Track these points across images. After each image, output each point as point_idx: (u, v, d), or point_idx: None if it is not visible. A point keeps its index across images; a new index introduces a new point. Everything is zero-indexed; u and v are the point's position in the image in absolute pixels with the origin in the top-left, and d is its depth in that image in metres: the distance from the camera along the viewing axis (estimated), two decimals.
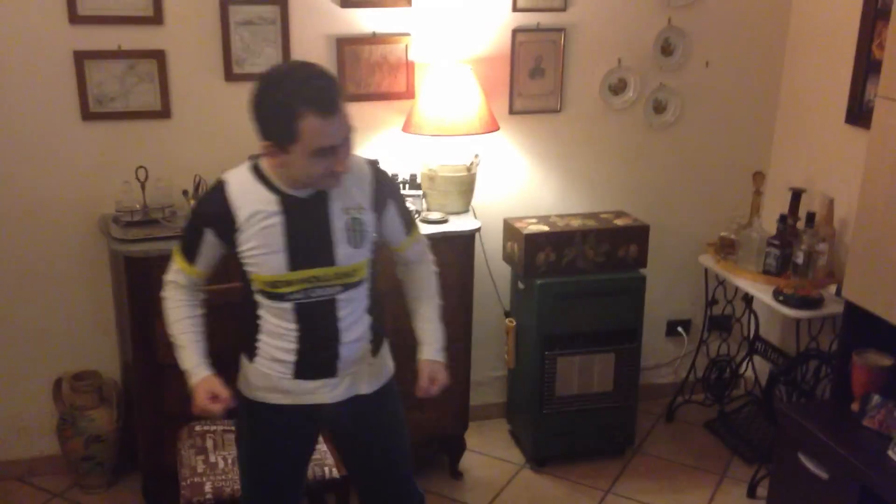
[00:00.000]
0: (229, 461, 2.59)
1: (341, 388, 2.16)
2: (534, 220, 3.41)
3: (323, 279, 2.05)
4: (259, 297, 2.09)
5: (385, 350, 2.27)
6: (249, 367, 2.17)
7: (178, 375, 2.86)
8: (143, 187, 3.02)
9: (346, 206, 2.06)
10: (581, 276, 3.33)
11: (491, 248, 3.51)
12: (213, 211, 2.05)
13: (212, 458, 2.60)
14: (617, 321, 3.40)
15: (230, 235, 2.03)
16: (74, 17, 2.95)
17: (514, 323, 3.45)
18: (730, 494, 3.33)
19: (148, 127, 3.12)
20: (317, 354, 2.11)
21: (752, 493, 3.31)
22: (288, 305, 2.06)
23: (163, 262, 2.78)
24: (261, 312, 2.11)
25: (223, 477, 2.52)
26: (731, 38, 3.63)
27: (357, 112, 3.13)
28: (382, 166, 2.23)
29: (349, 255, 2.06)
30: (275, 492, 2.26)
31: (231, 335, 2.24)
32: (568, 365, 3.38)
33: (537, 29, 3.41)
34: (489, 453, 3.57)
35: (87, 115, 3.04)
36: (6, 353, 3.20)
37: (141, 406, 2.99)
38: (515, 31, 3.39)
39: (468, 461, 3.46)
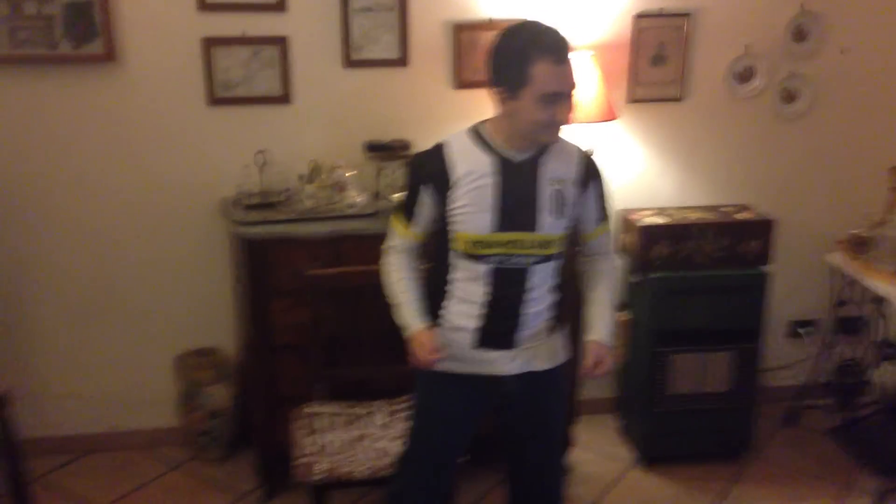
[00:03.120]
0: (339, 443, 2.63)
1: (518, 361, 2.24)
2: (650, 212, 3.31)
3: (522, 245, 2.13)
4: (456, 260, 2.17)
5: (562, 334, 2.34)
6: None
7: (293, 357, 2.97)
8: (261, 171, 3.09)
9: (554, 176, 2.15)
10: (698, 272, 3.22)
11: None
12: (431, 169, 2.14)
13: (322, 439, 2.65)
14: (735, 319, 3.26)
15: (445, 193, 2.12)
16: (203, 5, 3.04)
17: (627, 317, 3.36)
18: None
19: (269, 112, 3.19)
20: (499, 323, 2.18)
21: None
22: (484, 268, 2.14)
23: (279, 244, 2.89)
24: (452, 276, 2.19)
25: (334, 458, 2.56)
26: (869, 23, 3.42)
27: (473, 99, 3.17)
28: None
29: (550, 224, 2.14)
30: (438, 463, 2.35)
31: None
32: (681, 362, 3.27)
33: (660, 14, 3.29)
34: (598, 449, 3.50)
35: (213, 100, 3.13)
36: (132, 329, 3.35)
37: (256, 385, 3.07)
38: (637, 17, 3.29)
39: (576, 456, 3.40)
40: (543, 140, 2.11)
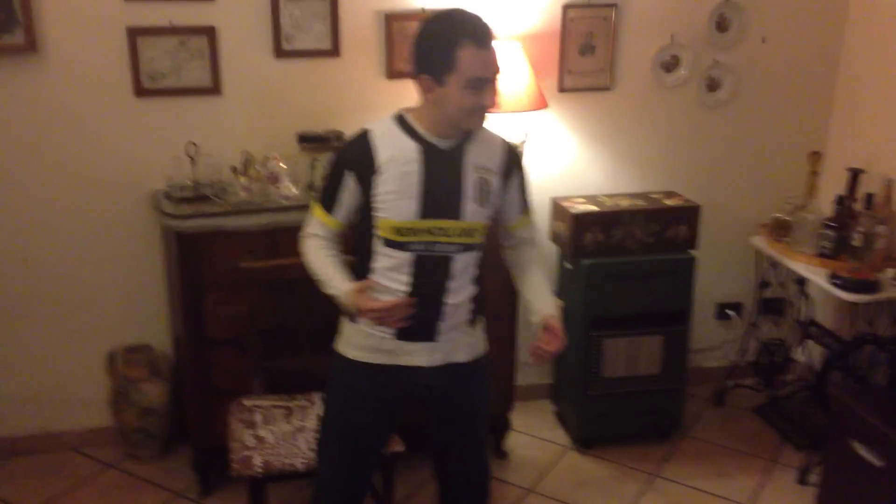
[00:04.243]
0: (278, 436, 2.62)
1: (439, 353, 2.23)
2: (582, 200, 3.37)
3: (446, 232, 2.12)
4: (379, 248, 2.14)
5: (481, 326, 2.33)
6: (352, 326, 2.23)
7: (228, 350, 2.94)
8: (193, 163, 3.05)
9: (479, 164, 2.16)
10: (629, 257, 3.29)
11: (538, 227, 3.47)
12: (355, 155, 2.13)
13: (261, 433, 2.63)
14: (665, 303, 3.35)
15: (369, 179, 2.10)
16: None
17: (561, 303, 3.42)
18: (780, 481, 3.28)
19: (199, 103, 3.14)
20: (421, 314, 2.16)
21: (802, 480, 3.25)
22: (407, 257, 2.13)
23: (213, 237, 2.86)
24: (375, 265, 2.16)
25: (272, 451, 2.54)
26: (789, 13, 3.54)
27: (405, 89, 3.16)
28: None
29: (474, 212, 2.14)
30: (356, 455, 2.31)
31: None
32: (614, 346, 3.35)
33: (588, 4, 3.35)
34: (534, 434, 3.56)
35: (140, 91, 3.07)
36: (60, 327, 3.27)
37: (191, 380, 3.04)
38: (566, 7, 3.34)
39: (513, 441, 3.46)
40: (469, 126, 2.12)
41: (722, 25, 3.48)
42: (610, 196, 3.44)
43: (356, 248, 2.23)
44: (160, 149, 3.11)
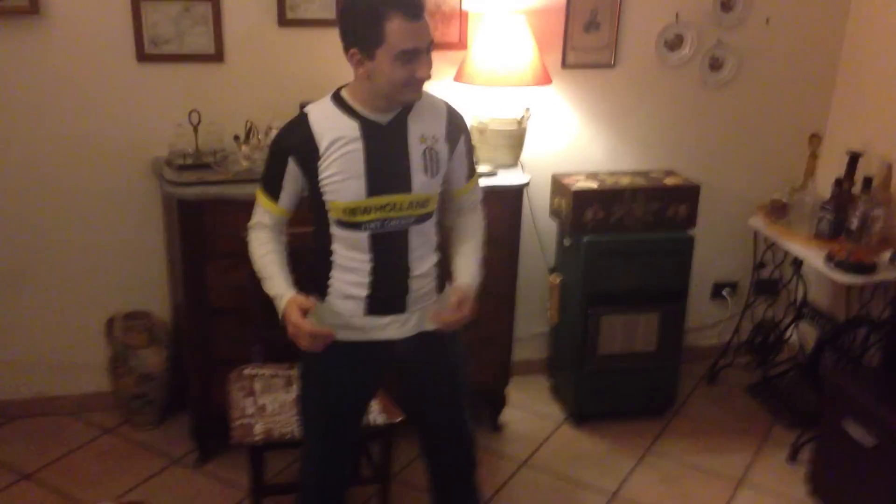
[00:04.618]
0: (277, 404, 2.64)
1: (410, 324, 2.22)
2: (582, 177, 3.38)
3: (398, 207, 2.10)
4: (334, 230, 2.13)
5: (448, 291, 2.29)
6: (321, 305, 2.20)
7: (229, 320, 2.95)
8: (195, 131, 3.04)
9: (423, 134, 2.12)
10: (628, 235, 3.31)
11: (538, 203, 3.48)
12: (296, 140, 2.08)
13: (260, 401, 2.65)
14: (663, 281, 3.38)
15: (312, 163, 2.07)
16: None
17: (559, 279, 3.44)
18: (770, 458, 3.32)
19: (201, 70, 3.12)
20: (388, 288, 2.16)
21: (792, 458, 3.30)
22: (363, 235, 2.11)
23: (214, 205, 2.85)
24: (334, 247, 2.15)
25: (272, 419, 2.56)
26: None
27: None
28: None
29: (424, 184, 2.11)
30: (336, 431, 2.31)
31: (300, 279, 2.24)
32: (611, 323, 3.37)
33: None
34: (530, 408, 3.59)
35: (143, 56, 3.05)
36: (60, 291, 3.27)
37: (190, 348, 3.05)
38: None
39: (509, 415, 3.49)
40: (405, 100, 2.06)
41: (727, 5, 3.48)
42: (610, 174, 3.44)
43: (315, 229, 2.19)
44: (162, 115, 3.10)
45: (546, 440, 3.40)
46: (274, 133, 2.96)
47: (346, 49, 2.02)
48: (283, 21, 3.12)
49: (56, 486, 3.00)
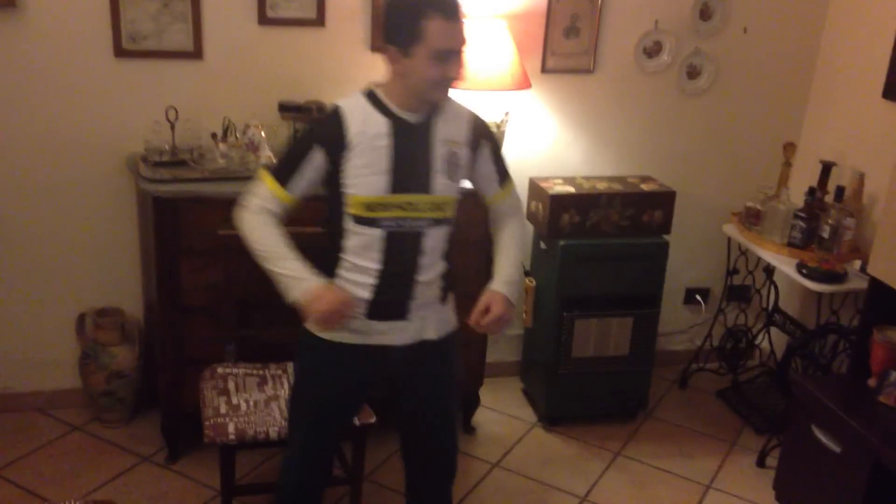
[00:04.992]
0: (251, 403, 2.63)
1: (410, 331, 2.23)
2: (560, 181, 3.40)
3: (416, 207, 2.12)
4: (350, 225, 2.13)
5: (452, 303, 2.33)
6: None
7: (202, 318, 2.93)
8: (172, 128, 3.02)
9: (447, 137, 2.15)
10: (604, 240, 3.33)
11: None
12: (327, 130, 2.10)
13: (234, 400, 2.64)
14: (637, 286, 3.40)
15: (338, 155, 2.09)
16: None
17: (534, 283, 3.46)
18: (739, 463, 3.36)
19: (179, 67, 3.10)
20: (392, 292, 2.17)
21: (761, 463, 3.34)
22: (378, 233, 2.12)
23: (190, 203, 2.83)
24: (345, 244, 2.15)
25: (245, 419, 2.55)
26: (771, 4, 3.57)
27: None
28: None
29: (444, 186, 2.15)
30: (324, 431, 2.32)
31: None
32: (585, 327, 3.39)
33: None
34: (502, 410, 3.61)
35: (120, 52, 3.02)
36: (31, 287, 3.23)
37: (162, 346, 3.02)
38: None
39: (481, 417, 3.50)
40: (434, 98, 2.11)
41: (705, 13, 3.51)
42: (587, 178, 3.47)
43: (328, 226, 2.20)
44: (138, 111, 3.07)
45: (518, 442, 3.42)
46: (252, 131, 2.99)
47: (384, 45, 2.07)
48: (263, 20, 3.11)
49: (23, 483, 2.97)
